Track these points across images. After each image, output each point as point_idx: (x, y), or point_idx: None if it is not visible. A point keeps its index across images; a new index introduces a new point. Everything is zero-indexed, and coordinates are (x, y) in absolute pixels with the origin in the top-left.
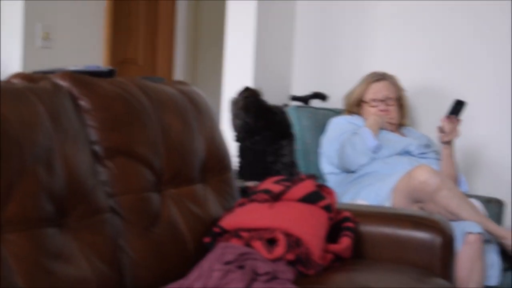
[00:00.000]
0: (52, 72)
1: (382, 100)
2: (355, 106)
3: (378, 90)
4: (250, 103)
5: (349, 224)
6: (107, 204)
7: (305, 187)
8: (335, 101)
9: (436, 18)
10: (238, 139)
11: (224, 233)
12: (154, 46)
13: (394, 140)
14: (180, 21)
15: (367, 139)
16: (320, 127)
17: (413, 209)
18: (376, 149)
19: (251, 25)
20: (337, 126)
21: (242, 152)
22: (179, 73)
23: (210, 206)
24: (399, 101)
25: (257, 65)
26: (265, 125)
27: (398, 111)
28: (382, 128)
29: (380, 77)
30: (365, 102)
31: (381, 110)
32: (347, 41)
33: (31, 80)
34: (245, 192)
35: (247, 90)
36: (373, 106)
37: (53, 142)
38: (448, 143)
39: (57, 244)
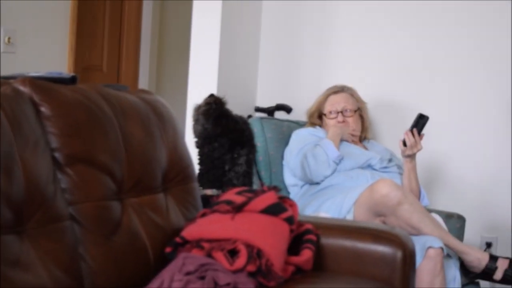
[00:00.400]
0: (13, 77)
1: (339, 112)
2: (316, 118)
3: (335, 101)
4: (211, 109)
5: (311, 237)
6: (66, 212)
7: (267, 199)
8: (299, 113)
9: (399, 33)
10: (198, 145)
11: (186, 243)
12: (118, 53)
13: (356, 153)
14: (145, 28)
15: (329, 150)
16: (284, 139)
17: (375, 223)
18: (338, 160)
19: (215, 36)
20: (300, 138)
21: (201, 159)
22: (143, 81)
23: (171, 216)
24: (359, 113)
25: (222, 76)
26: (223, 132)
27: (358, 123)
28: (343, 140)
29: (338, 89)
30: (324, 114)
31: (340, 122)
32: (311, 54)
33: None
34: (205, 200)
35: (211, 96)
36: (331, 118)
37: (13, 148)
38: (410, 157)
39: (15, 252)
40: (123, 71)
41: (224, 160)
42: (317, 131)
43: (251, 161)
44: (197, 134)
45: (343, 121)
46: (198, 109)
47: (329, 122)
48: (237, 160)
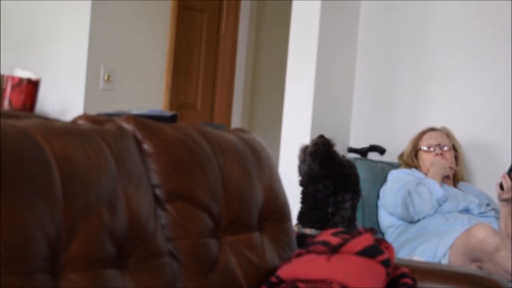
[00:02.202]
0: (116, 115)
1: (437, 145)
2: (412, 157)
3: (432, 136)
4: (318, 150)
5: (407, 280)
6: (166, 248)
7: (363, 241)
8: (393, 155)
9: (496, 75)
10: (302, 184)
11: (281, 283)
12: (212, 91)
13: (457, 196)
14: (239, 67)
15: (434, 189)
16: (377, 180)
17: (472, 268)
18: (442, 200)
19: (310, 76)
20: (399, 176)
21: (304, 198)
22: (236, 119)
23: (267, 255)
24: (455, 151)
25: (316, 116)
26: (329, 175)
27: (454, 160)
28: (445, 175)
29: (433, 127)
30: (420, 149)
31: (438, 154)
32: (406, 95)
33: (96, 122)
34: (302, 238)
35: (320, 137)
36: (428, 152)
37: (117, 184)
38: (507, 200)
39: (117, 286)
40: (216, 109)
41: (328, 203)
42: (413, 171)
43: (355, 206)
44: (302, 173)
45: (441, 154)
46: (305, 150)
47: (426, 157)
48: (341, 204)
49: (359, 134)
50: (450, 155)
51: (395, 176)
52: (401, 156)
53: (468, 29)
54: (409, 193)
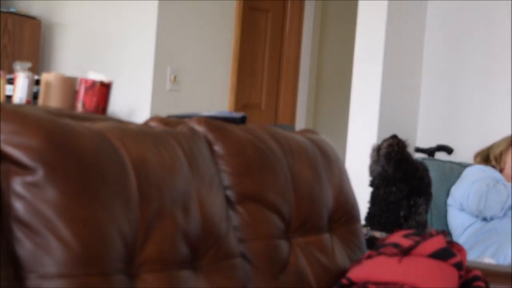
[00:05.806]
0: (186, 116)
1: None
2: (497, 155)
3: None
4: (393, 152)
5: (480, 284)
6: (238, 249)
7: (435, 243)
8: (461, 154)
9: None
10: (373, 185)
11: (352, 285)
12: (277, 91)
13: None
14: (304, 66)
15: None
16: (446, 180)
17: None
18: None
19: (377, 76)
20: (475, 171)
21: (375, 200)
22: (300, 119)
23: (337, 257)
24: None
25: (383, 115)
26: (403, 178)
27: None
28: None
29: None
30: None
31: None
32: (474, 94)
33: (168, 124)
34: (371, 241)
35: (393, 138)
36: None
37: (190, 186)
38: None
39: (191, 287)
40: (280, 109)
41: (400, 206)
42: (488, 169)
43: (427, 210)
44: (374, 174)
45: None
46: (378, 150)
47: None
48: (415, 208)
49: (426, 133)
50: None
51: (471, 171)
52: (478, 154)
53: None
54: (488, 186)
